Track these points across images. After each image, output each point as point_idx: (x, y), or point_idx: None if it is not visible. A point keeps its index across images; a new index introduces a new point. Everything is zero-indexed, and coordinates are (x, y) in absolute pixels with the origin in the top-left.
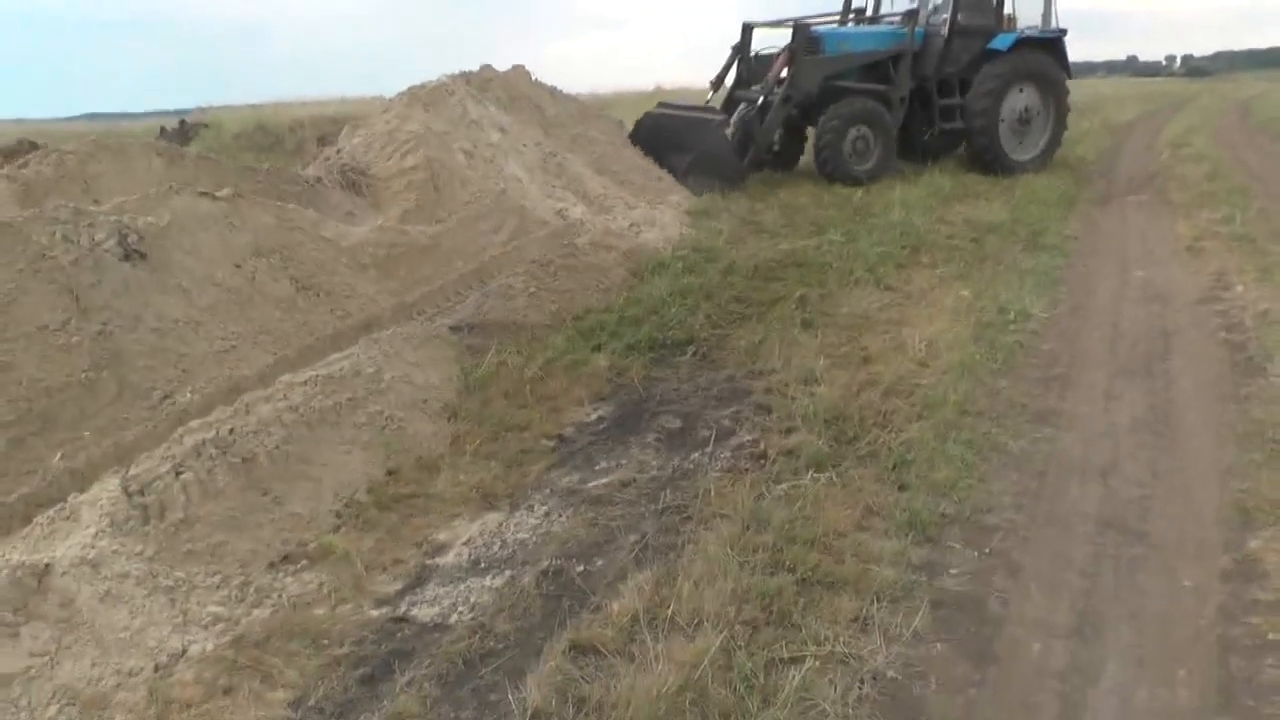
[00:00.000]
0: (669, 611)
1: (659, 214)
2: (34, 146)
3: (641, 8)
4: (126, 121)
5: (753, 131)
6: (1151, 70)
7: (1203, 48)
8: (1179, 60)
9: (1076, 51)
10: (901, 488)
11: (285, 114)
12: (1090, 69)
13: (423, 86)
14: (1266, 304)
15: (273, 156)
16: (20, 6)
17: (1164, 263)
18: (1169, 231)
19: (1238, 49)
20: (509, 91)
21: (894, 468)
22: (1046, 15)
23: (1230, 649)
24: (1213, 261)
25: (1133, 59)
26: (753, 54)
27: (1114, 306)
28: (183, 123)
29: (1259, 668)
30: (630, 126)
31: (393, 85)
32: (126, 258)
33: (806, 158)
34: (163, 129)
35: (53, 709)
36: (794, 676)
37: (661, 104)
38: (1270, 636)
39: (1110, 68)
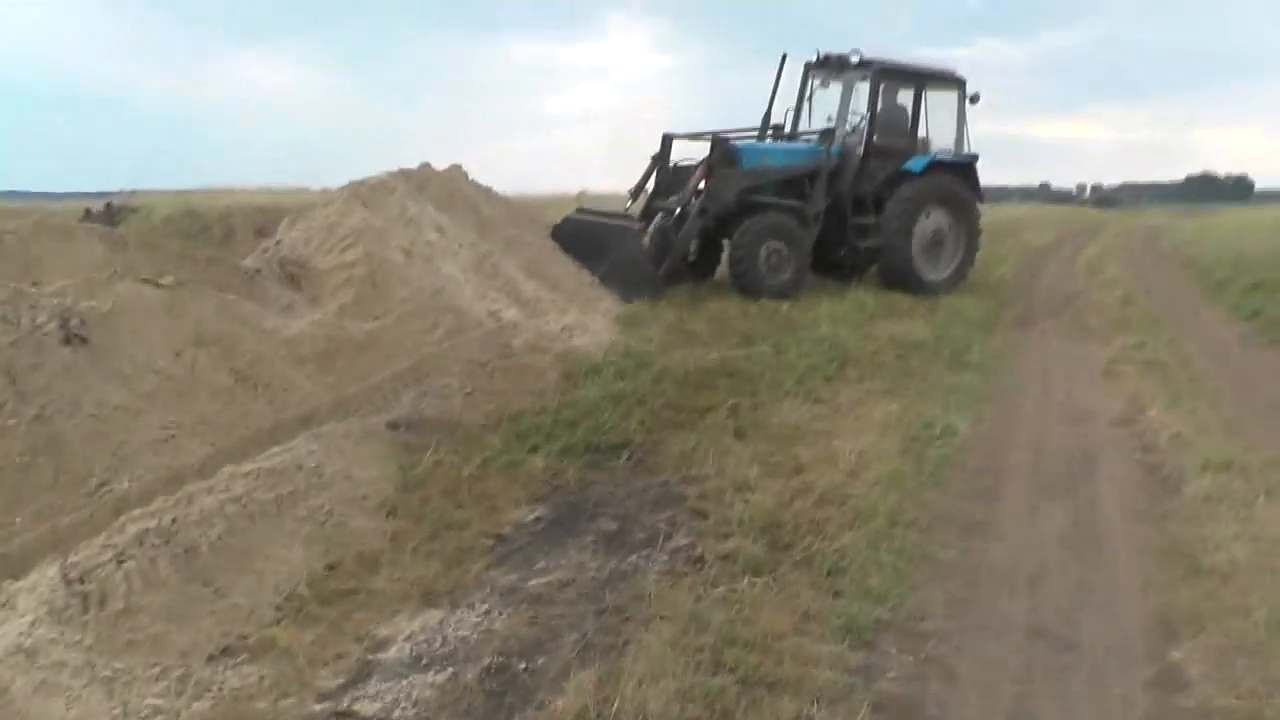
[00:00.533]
0: (614, 709)
1: (590, 319)
2: None
3: (571, 113)
4: (47, 201)
5: (670, 241)
6: (1063, 197)
7: (1110, 178)
8: (1089, 189)
9: (992, 176)
10: (836, 594)
11: (214, 201)
12: (1005, 194)
13: (363, 182)
14: (1179, 427)
15: (202, 243)
16: None
17: (1083, 384)
18: (1088, 355)
19: (1142, 181)
20: (446, 190)
21: (828, 574)
22: (960, 140)
23: None
24: (1128, 384)
25: (1045, 186)
26: (671, 164)
27: (1037, 425)
28: (108, 205)
29: None
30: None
31: (322, 179)
32: (67, 342)
33: (723, 269)
34: (88, 210)
35: None
36: None
37: (580, 209)
38: None
39: (1025, 193)
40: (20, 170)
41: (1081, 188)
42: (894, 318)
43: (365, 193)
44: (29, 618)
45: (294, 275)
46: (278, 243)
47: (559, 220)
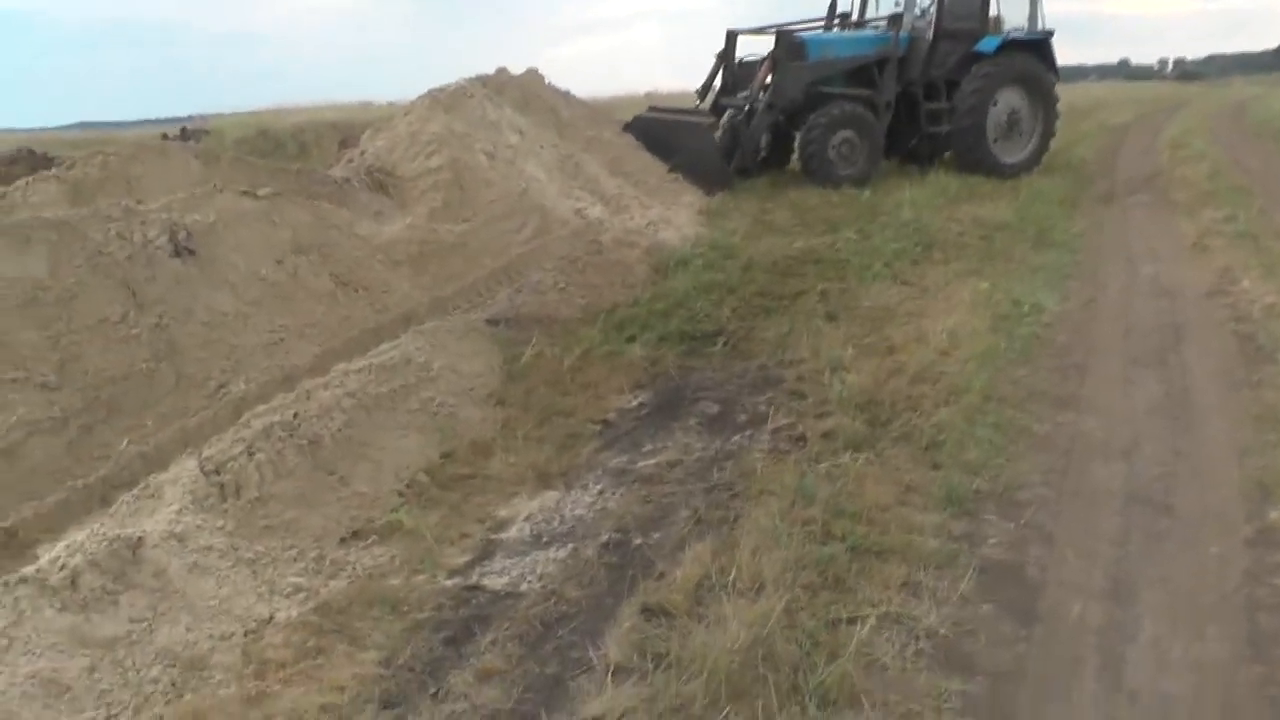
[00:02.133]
0: (731, 577)
1: (674, 214)
2: (33, 155)
3: (636, 14)
4: (120, 130)
5: (739, 137)
6: (1144, 74)
7: (1194, 51)
8: (1171, 64)
9: (1068, 55)
10: (936, 466)
11: (285, 119)
12: (1082, 73)
13: (443, 89)
14: (1273, 297)
15: (277, 161)
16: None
17: (1170, 259)
18: (1173, 229)
19: (1229, 52)
20: (524, 94)
21: (927, 448)
22: (1033, 17)
23: (1258, 608)
24: (1218, 258)
25: (1124, 62)
26: (737, 60)
27: (1124, 300)
28: (184, 129)
29: None
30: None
31: (390, 92)
32: (177, 254)
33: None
34: (164, 135)
35: (155, 669)
36: (855, 634)
37: (652, 107)
38: None
39: (1102, 71)
40: (89, 102)
41: (1163, 62)
42: (976, 200)
43: (445, 99)
44: (176, 506)
45: (381, 183)
46: (363, 153)
47: (629, 119)
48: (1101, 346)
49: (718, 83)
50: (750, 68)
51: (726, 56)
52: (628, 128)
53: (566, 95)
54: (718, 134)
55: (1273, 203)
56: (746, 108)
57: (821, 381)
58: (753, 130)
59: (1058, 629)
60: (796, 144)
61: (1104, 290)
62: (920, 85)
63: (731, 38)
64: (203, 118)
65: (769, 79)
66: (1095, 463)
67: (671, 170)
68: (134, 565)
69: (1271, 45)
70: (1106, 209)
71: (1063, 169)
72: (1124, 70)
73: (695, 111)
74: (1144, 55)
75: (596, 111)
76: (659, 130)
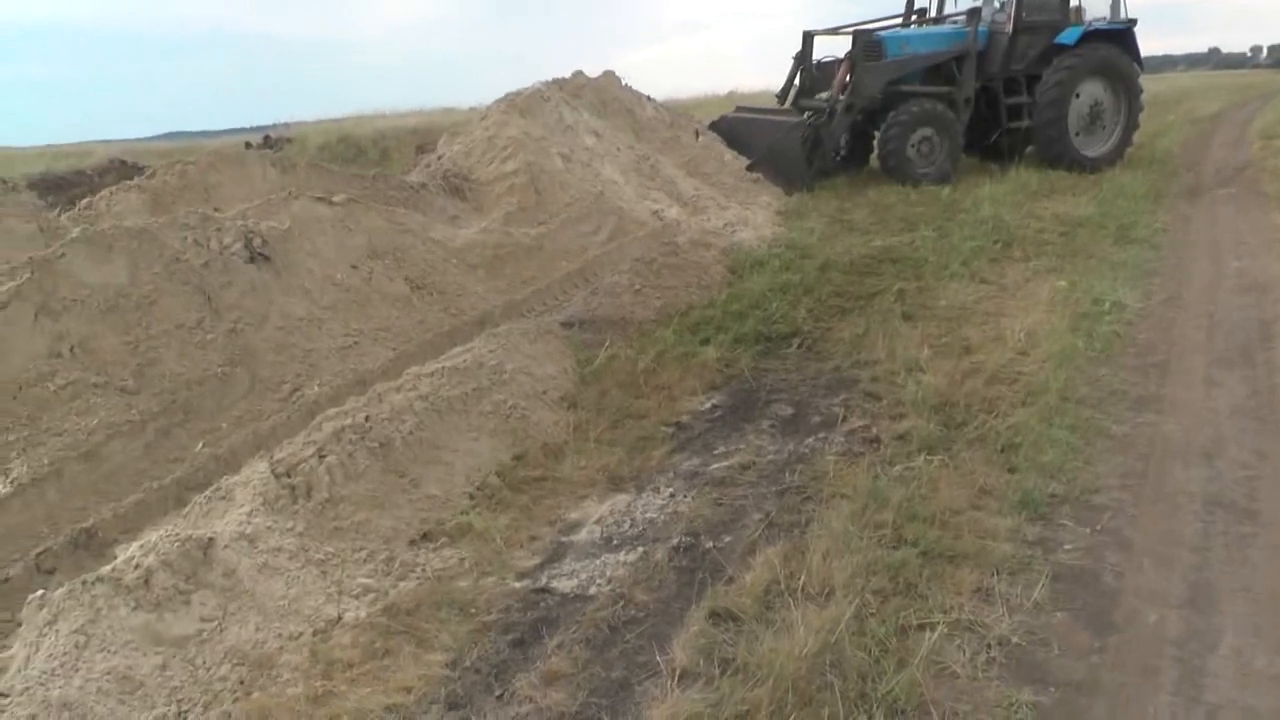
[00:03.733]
0: (800, 582)
1: (751, 214)
2: (124, 165)
3: (718, 14)
4: (207, 139)
5: (820, 137)
6: (1236, 62)
7: None
8: (1265, 51)
9: (1155, 45)
10: (1011, 469)
11: (367, 126)
12: (1170, 63)
13: (519, 93)
14: None
15: (358, 167)
16: (91, 27)
17: (1259, 254)
18: (1263, 223)
19: None
20: (600, 97)
21: (1002, 451)
22: (1115, 6)
23: None
24: None
25: (1214, 51)
26: (815, 61)
27: (1209, 297)
28: (267, 137)
29: None
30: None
31: (471, 97)
32: (252, 260)
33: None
34: (248, 144)
35: (225, 668)
36: (925, 641)
37: (739, 107)
38: None
39: (1191, 61)
40: (177, 112)
41: (1256, 49)
42: (1056, 195)
43: (522, 103)
44: (246, 508)
45: (458, 187)
46: (439, 157)
47: (716, 119)
48: (1184, 345)
49: (796, 84)
50: (828, 68)
51: (804, 58)
52: (714, 126)
53: (644, 98)
54: (803, 133)
55: None
56: (828, 108)
57: (897, 382)
58: (832, 131)
59: (1134, 639)
60: (876, 143)
61: (1188, 286)
62: (1000, 80)
63: (808, 39)
64: (287, 125)
65: (848, 79)
66: (1175, 465)
67: (752, 168)
68: (205, 565)
69: None
70: (1192, 203)
71: (1147, 162)
72: (1214, 59)
73: (782, 110)
74: (1235, 43)
75: (675, 113)
76: (745, 128)
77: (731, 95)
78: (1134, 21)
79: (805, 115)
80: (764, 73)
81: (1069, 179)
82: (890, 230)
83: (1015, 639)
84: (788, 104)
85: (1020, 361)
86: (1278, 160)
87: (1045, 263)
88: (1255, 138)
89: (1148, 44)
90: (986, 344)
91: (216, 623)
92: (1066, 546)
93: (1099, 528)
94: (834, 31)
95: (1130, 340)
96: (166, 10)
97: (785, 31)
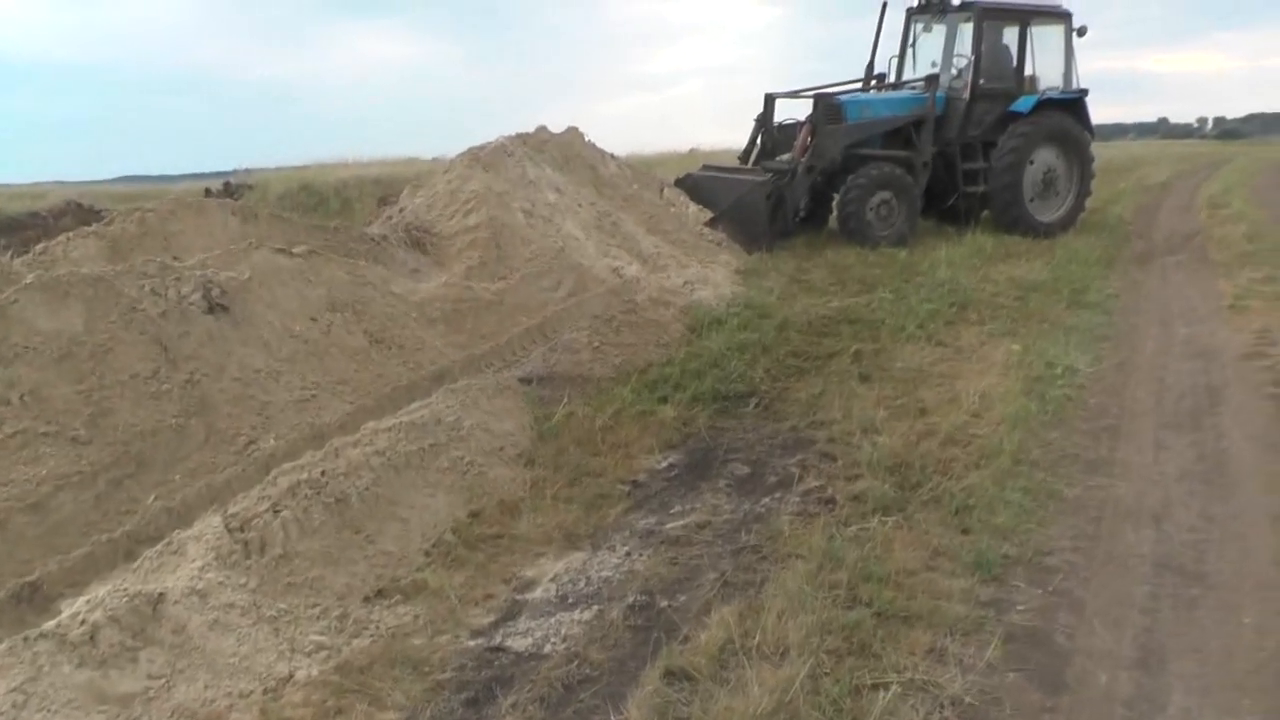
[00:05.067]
0: (755, 641)
1: (710, 272)
2: (80, 207)
3: (681, 70)
4: (165, 184)
5: (782, 198)
6: (1183, 132)
7: (1235, 109)
8: (1211, 122)
9: (1106, 114)
10: (965, 531)
11: (329, 175)
12: (1121, 131)
13: (482, 147)
14: None
15: (319, 217)
16: (44, 62)
17: (1206, 320)
18: (1210, 290)
19: (1270, 111)
20: (563, 152)
21: (957, 512)
22: (1067, 76)
23: None
24: (1256, 319)
25: (1164, 120)
26: (775, 124)
27: (1159, 362)
28: (227, 184)
29: None
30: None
31: (434, 147)
32: (210, 310)
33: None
34: (207, 190)
35: None
36: (879, 701)
37: (705, 166)
38: None
39: (1141, 129)
40: (136, 155)
41: (1203, 120)
42: (1011, 260)
43: (485, 157)
44: (198, 563)
45: (419, 240)
46: (401, 210)
47: (674, 176)
48: (1135, 409)
49: (758, 145)
50: (789, 130)
51: (766, 119)
52: (679, 183)
53: (606, 155)
54: (767, 192)
55: None
56: (790, 170)
57: (852, 443)
58: (793, 194)
59: (1085, 699)
60: (835, 204)
61: (1139, 352)
62: (957, 145)
63: (770, 101)
64: (247, 172)
65: (809, 141)
66: (1126, 528)
67: (713, 223)
68: (154, 622)
69: None
70: (1143, 269)
71: (1099, 228)
72: (1162, 128)
73: (746, 169)
74: (1183, 113)
75: (637, 170)
76: (709, 185)
77: (693, 153)
78: (1085, 91)
79: (769, 175)
80: (726, 130)
81: (1023, 243)
82: (848, 291)
83: (968, 699)
84: (750, 164)
85: (974, 424)
86: (1224, 229)
87: (1000, 326)
88: (1203, 206)
89: (1101, 112)
90: (942, 406)
91: (164, 680)
92: (1019, 607)
93: (1051, 589)
94: (795, 95)
95: (1082, 404)
96: (123, 49)
97: (748, 90)
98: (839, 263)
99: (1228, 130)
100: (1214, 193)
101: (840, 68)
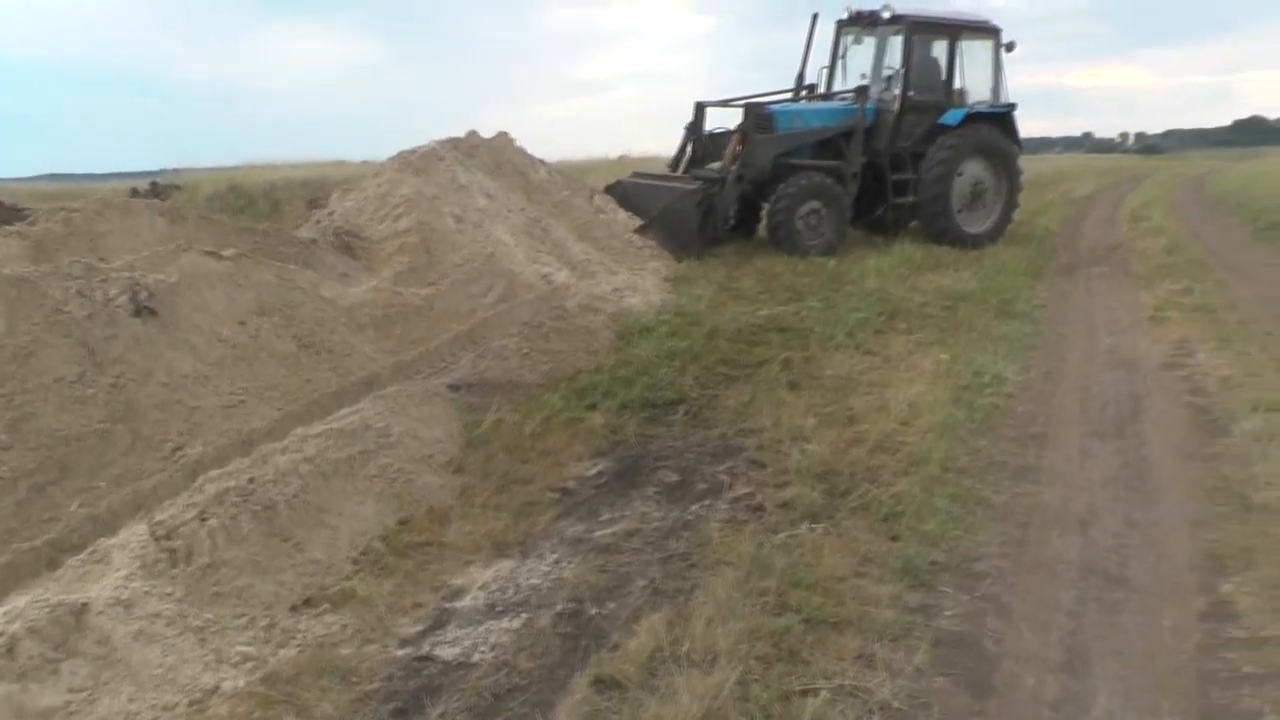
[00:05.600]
0: (685, 649)
1: (640, 280)
2: (2, 205)
3: (610, 77)
4: (90, 183)
5: (712, 206)
6: (1107, 147)
7: (1155, 125)
8: (1133, 137)
9: (1033, 127)
10: (893, 538)
11: (257, 176)
12: (1048, 144)
13: (413, 151)
14: (1227, 370)
15: (248, 219)
16: None
17: (1129, 331)
18: (1133, 301)
19: (1188, 127)
20: (494, 158)
21: (885, 519)
22: (996, 90)
23: (1210, 681)
24: (1175, 330)
25: (1088, 135)
26: (706, 132)
27: (1084, 371)
28: (154, 184)
29: (1236, 697)
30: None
31: (364, 150)
32: (138, 313)
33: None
34: (134, 190)
35: None
36: (808, 707)
37: (635, 173)
38: (1245, 670)
39: (1067, 143)
40: (61, 153)
41: (1125, 136)
42: (940, 270)
43: (415, 161)
44: (124, 572)
45: (349, 244)
46: (331, 213)
47: (603, 183)
48: (1061, 418)
49: (688, 153)
50: (720, 139)
51: (696, 128)
52: (609, 190)
53: (537, 162)
54: (697, 200)
55: (1228, 275)
56: (720, 178)
57: (781, 451)
58: (722, 202)
59: (1012, 702)
60: (765, 213)
61: (1064, 361)
62: (887, 156)
63: (700, 110)
64: (175, 172)
65: (739, 150)
66: (1052, 534)
67: (643, 230)
68: (77, 633)
69: (1227, 121)
70: (1068, 280)
71: (1026, 239)
72: (1087, 143)
73: (677, 177)
74: (1107, 128)
75: (568, 177)
76: (639, 193)
77: (623, 159)
78: (1014, 105)
79: (699, 184)
80: (656, 138)
81: (951, 254)
82: (777, 300)
83: (897, 704)
84: (680, 172)
85: (903, 431)
86: (1146, 242)
87: (928, 335)
88: (1126, 219)
89: (1028, 126)
90: (870, 414)
91: (87, 693)
92: (947, 613)
93: (979, 594)
94: (725, 104)
95: (1009, 412)
96: (48, 46)
97: (679, 98)
98: (768, 271)
99: (1148, 145)
100: (1135, 206)
101: (771, 77)
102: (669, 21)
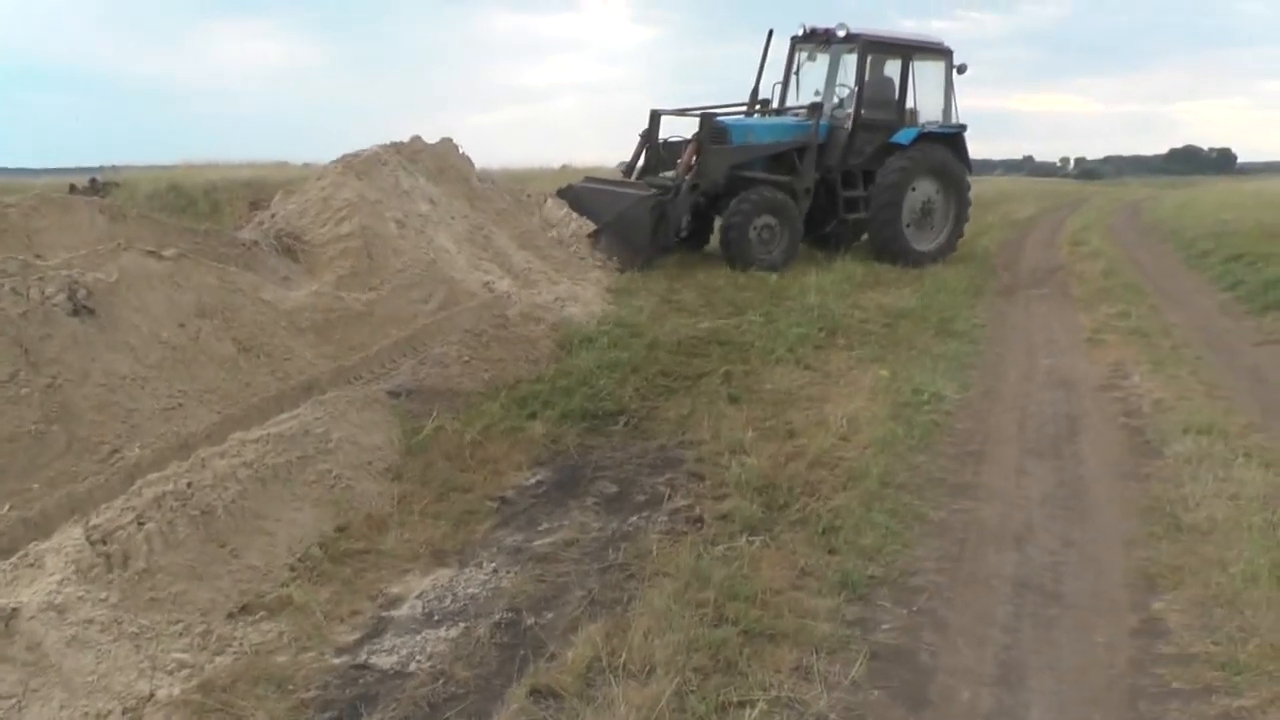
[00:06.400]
0: (622, 660)
1: (581, 290)
2: None
3: (551, 86)
4: (26, 178)
5: (665, 214)
6: (1047, 170)
7: (1094, 151)
8: (1073, 162)
9: (977, 149)
10: (831, 551)
11: (198, 176)
12: (990, 166)
13: (356, 155)
14: (1161, 393)
15: (188, 219)
16: None
17: (1067, 352)
18: (1071, 323)
19: (1126, 154)
20: (437, 163)
21: (823, 533)
22: (947, 111)
23: (1140, 696)
24: (1111, 352)
25: (1029, 159)
26: (661, 141)
27: (1022, 391)
28: (93, 180)
29: (1164, 711)
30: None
31: (304, 152)
32: (75, 313)
33: (714, 242)
34: (72, 186)
35: None
36: (745, 718)
37: (588, 178)
38: (1174, 685)
39: (1008, 166)
40: None
41: (1065, 161)
42: (881, 287)
43: (358, 165)
44: (57, 576)
45: (290, 247)
46: (273, 215)
47: (564, 187)
48: (998, 436)
49: (641, 161)
50: (674, 148)
51: (650, 136)
52: (561, 194)
53: (478, 170)
54: (651, 205)
55: (1163, 300)
56: (674, 186)
57: (721, 463)
58: (675, 210)
59: (947, 715)
60: (719, 225)
61: (1003, 380)
62: (838, 173)
63: (655, 117)
64: (114, 169)
65: (693, 160)
66: (989, 550)
67: (596, 235)
68: (6, 638)
69: (1163, 150)
70: (1008, 300)
71: (967, 259)
72: (1028, 166)
73: (631, 183)
74: (1048, 152)
75: (508, 186)
76: (592, 198)
77: (565, 169)
78: (964, 127)
79: (653, 190)
80: (597, 148)
81: (893, 272)
82: (718, 313)
83: (833, 716)
84: (634, 179)
85: (842, 447)
86: (1085, 265)
87: (868, 352)
88: (1065, 243)
89: (971, 147)
90: (810, 428)
91: (16, 701)
92: (884, 626)
93: (916, 608)
94: (682, 112)
95: (948, 430)
96: None
97: (621, 108)
98: (709, 284)
99: (1087, 170)
100: (1075, 230)
101: (714, 89)
102: (610, 31)
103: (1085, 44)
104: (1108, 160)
